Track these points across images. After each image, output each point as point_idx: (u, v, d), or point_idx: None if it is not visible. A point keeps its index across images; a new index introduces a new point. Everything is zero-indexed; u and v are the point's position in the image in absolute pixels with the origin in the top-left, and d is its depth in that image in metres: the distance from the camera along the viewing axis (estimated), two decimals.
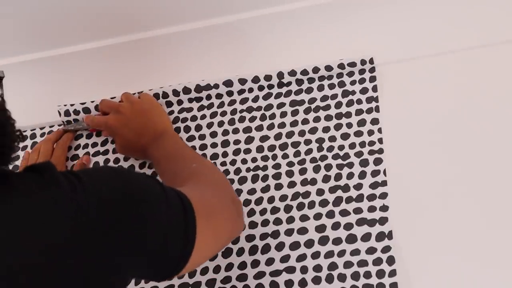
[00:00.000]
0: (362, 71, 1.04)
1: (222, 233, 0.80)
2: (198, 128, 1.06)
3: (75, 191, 0.62)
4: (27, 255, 0.58)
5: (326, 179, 0.97)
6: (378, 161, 0.97)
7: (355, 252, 0.91)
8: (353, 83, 1.04)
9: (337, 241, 0.92)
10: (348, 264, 0.90)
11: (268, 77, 1.06)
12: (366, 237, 0.91)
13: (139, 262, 0.68)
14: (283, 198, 0.97)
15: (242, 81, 1.07)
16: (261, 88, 1.07)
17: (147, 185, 0.70)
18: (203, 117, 1.07)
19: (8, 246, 0.58)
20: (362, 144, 0.98)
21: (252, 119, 1.05)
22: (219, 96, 1.08)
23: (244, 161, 1.01)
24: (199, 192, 0.79)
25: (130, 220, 0.65)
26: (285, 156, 1.01)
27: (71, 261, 0.60)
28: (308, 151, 1.00)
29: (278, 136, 1.03)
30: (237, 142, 1.04)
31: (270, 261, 0.93)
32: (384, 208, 0.93)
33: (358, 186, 0.95)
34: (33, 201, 0.60)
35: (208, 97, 1.09)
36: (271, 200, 0.97)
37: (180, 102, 1.09)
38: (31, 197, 0.61)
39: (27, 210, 0.60)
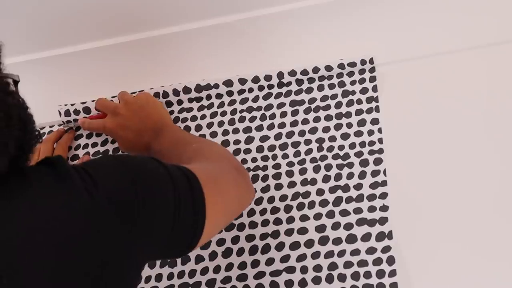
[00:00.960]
0: (362, 71, 1.04)
1: (231, 201, 0.81)
2: (198, 128, 1.06)
3: (87, 184, 0.63)
4: (44, 247, 0.59)
5: (326, 179, 0.97)
6: (378, 161, 0.97)
7: (355, 252, 0.91)
8: (353, 83, 1.04)
9: (337, 241, 0.92)
10: (348, 264, 0.90)
11: (268, 77, 1.06)
12: (366, 237, 0.91)
13: (154, 244, 0.69)
14: (283, 198, 0.97)
15: (242, 81, 1.07)
16: (261, 88, 1.07)
17: (151, 168, 0.71)
18: (203, 117, 1.07)
19: (26, 238, 0.59)
20: (362, 144, 0.98)
21: (252, 119, 1.05)
22: (219, 96, 1.08)
23: (244, 161, 1.01)
24: (201, 165, 0.80)
25: (140, 205, 0.66)
26: (285, 156, 1.01)
27: (87, 252, 0.61)
28: (308, 151, 1.00)
29: (278, 136, 1.03)
30: (237, 142, 1.04)
31: (270, 261, 0.93)
32: (384, 208, 0.93)
33: (358, 186, 0.95)
34: (48, 195, 0.61)
35: (208, 97, 1.09)
36: (271, 200, 0.97)
37: (180, 102, 1.09)
38: (46, 190, 0.62)
39: (43, 203, 0.61)
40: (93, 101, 1.09)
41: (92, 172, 0.64)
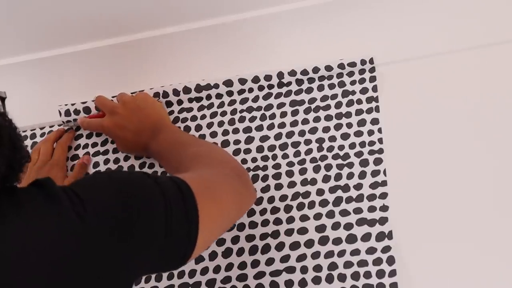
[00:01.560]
0: (362, 71, 1.04)
1: (228, 208, 0.80)
2: (198, 128, 1.06)
3: (74, 205, 0.63)
4: (36, 267, 0.59)
5: (326, 179, 0.97)
6: (378, 161, 0.97)
7: (355, 252, 0.91)
8: (353, 83, 1.04)
9: (337, 241, 0.92)
10: (348, 264, 0.90)
11: (268, 77, 1.06)
12: (366, 237, 0.91)
13: (147, 259, 0.69)
14: (283, 198, 0.97)
15: (242, 81, 1.07)
16: (261, 88, 1.07)
17: (140, 183, 0.70)
18: (203, 117, 1.07)
19: (19, 258, 0.59)
20: (362, 144, 0.98)
21: (252, 119, 1.05)
22: (219, 96, 1.08)
23: (244, 161, 1.01)
24: (197, 174, 0.80)
25: (130, 222, 0.66)
26: (285, 156, 1.01)
27: (77, 271, 0.61)
28: (308, 151, 1.00)
29: (278, 136, 1.03)
30: (237, 142, 1.04)
31: (270, 261, 0.93)
32: (384, 208, 0.93)
33: (358, 186, 0.95)
34: (38, 216, 0.62)
35: (208, 97, 1.09)
36: (271, 200, 0.97)
37: (180, 102, 1.09)
38: (37, 212, 0.62)
39: (34, 224, 0.61)
40: (93, 101, 1.09)
41: (80, 192, 0.65)
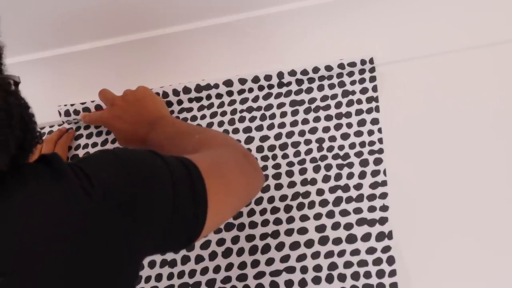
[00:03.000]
0: (362, 71, 1.04)
1: (236, 188, 0.79)
2: None
3: (81, 180, 0.63)
4: (40, 244, 0.59)
5: (326, 179, 0.97)
6: (378, 161, 0.96)
7: (355, 252, 0.91)
8: (353, 83, 1.04)
9: (337, 241, 0.92)
10: (348, 264, 0.90)
11: (268, 77, 1.06)
12: (366, 237, 0.91)
13: (154, 237, 0.68)
14: (283, 198, 0.97)
15: (242, 81, 1.07)
16: (261, 88, 1.07)
17: (147, 160, 0.70)
18: (203, 117, 1.08)
19: (23, 236, 0.59)
20: (362, 144, 0.98)
21: (252, 119, 1.05)
22: (219, 96, 1.08)
23: None
24: (203, 154, 0.79)
25: (136, 198, 0.65)
26: (285, 156, 1.01)
27: (83, 248, 0.61)
28: (308, 151, 1.00)
29: (278, 136, 1.03)
30: None
31: (270, 261, 0.93)
32: (384, 208, 0.93)
33: (358, 186, 0.95)
34: (44, 192, 0.61)
35: (208, 97, 1.09)
36: (271, 200, 0.97)
37: (180, 102, 1.09)
38: (43, 188, 0.62)
39: (39, 201, 0.61)
40: (92, 101, 1.09)
41: (86, 169, 0.64)
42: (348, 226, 0.93)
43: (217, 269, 0.94)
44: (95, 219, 0.62)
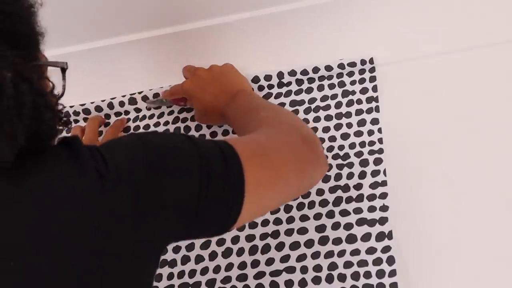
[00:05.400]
0: (362, 71, 1.04)
1: (285, 176, 0.74)
2: (198, 128, 1.06)
3: (98, 163, 0.61)
4: (51, 227, 0.58)
5: (326, 179, 0.97)
6: (378, 161, 0.96)
7: (355, 252, 0.91)
8: (353, 83, 1.04)
9: (337, 241, 0.92)
10: (348, 264, 0.90)
11: (268, 77, 1.06)
12: (366, 237, 0.91)
13: (176, 224, 0.65)
14: None
15: None
16: (261, 88, 1.07)
17: (174, 145, 0.67)
18: None
19: (33, 220, 0.58)
20: (362, 144, 0.98)
21: None
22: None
23: None
24: (249, 138, 0.75)
25: (155, 184, 0.63)
26: None
27: (95, 232, 0.59)
28: None
29: None
30: None
31: (270, 261, 0.93)
32: (384, 208, 0.93)
33: (358, 186, 0.95)
34: (59, 175, 0.60)
35: None
36: None
37: None
38: (58, 170, 0.61)
39: (53, 183, 0.60)
40: (92, 102, 1.09)
41: (105, 152, 0.62)
42: (348, 226, 0.93)
43: (217, 269, 0.94)
44: (107, 203, 0.60)
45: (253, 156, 0.70)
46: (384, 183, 0.94)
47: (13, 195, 0.59)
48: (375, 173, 0.96)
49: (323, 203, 0.95)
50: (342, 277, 0.89)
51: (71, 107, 1.10)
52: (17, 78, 0.57)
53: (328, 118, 1.02)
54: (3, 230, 0.58)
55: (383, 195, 0.94)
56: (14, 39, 0.60)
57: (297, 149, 0.77)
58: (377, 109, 1.01)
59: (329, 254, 0.91)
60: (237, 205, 0.68)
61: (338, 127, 1.01)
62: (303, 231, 0.94)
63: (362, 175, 0.96)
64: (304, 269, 0.91)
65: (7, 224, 0.58)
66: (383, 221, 0.92)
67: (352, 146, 0.99)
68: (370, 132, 0.99)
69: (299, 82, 1.06)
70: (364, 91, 1.03)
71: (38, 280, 0.58)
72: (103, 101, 1.10)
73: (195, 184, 0.65)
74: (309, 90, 1.05)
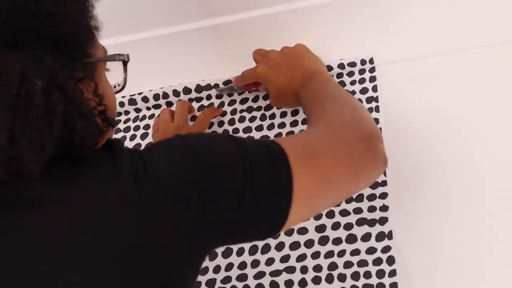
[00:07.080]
0: (362, 71, 1.04)
1: (336, 178, 0.71)
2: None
3: (137, 169, 0.60)
4: (84, 233, 0.57)
5: None
6: None
7: (355, 252, 0.91)
8: (353, 83, 1.04)
9: (337, 241, 0.92)
10: (348, 264, 0.90)
11: None
12: (366, 237, 0.91)
13: (216, 229, 0.64)
14: None
15: None
16: None
17: (217, 149, 0.65)
18: None
19: (66, 225, 0.56)
20: None
21: (252, 119, 1.05)
22: (219, 96, 1.08)
23: None
24: (301, 138, 0.73)
25: (195, 190, 0.61)
26: None
27: (129, 239, 0.58)
28: None
29: (278, 136, 1.03)
30: None
31: (270, 261, 0.93)
32: (384, 208, 0.93)
33: None
34: (96, 180, 0.59)
35: (208, 97, 1.09)
36: None
37: None
38: (96, 175, 0.59)
39: (89, 188, 0.58)
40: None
41: (146, 156, 0.61)
42: (348, 226, 0.93)
43: (217, 269, 0.94)
44: (142, 209, 0.59)
45: (302, 159, 0.67)
46: (384, 183, 0.95)
47: (50, 198, 0.57)
48: None
49: None
50: (342, 277, 0.89)
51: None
52: (50, 85, 0.55)
53: None
54: (38, 234, 0.56)
55: (383, 195, 0.94)
56: (58, 39, 0.58)
57: (353, 150, 0.74)
58: (377, 109, 1.01)
59: (329, 254, 0.91)
60: (284, 210, 0.66)
61: None
62: (303, 231, 0.94)
63: None
64: (304, 269, 0.91)
65: (43, 228, 0.57)
66: (383, 221, 0.92)
67: None
68: None
69: None
70: (364, 91, 1.03)
71: (68, 285, 0.56)
72: None
73: (237, 189, 0.64)
74: None
